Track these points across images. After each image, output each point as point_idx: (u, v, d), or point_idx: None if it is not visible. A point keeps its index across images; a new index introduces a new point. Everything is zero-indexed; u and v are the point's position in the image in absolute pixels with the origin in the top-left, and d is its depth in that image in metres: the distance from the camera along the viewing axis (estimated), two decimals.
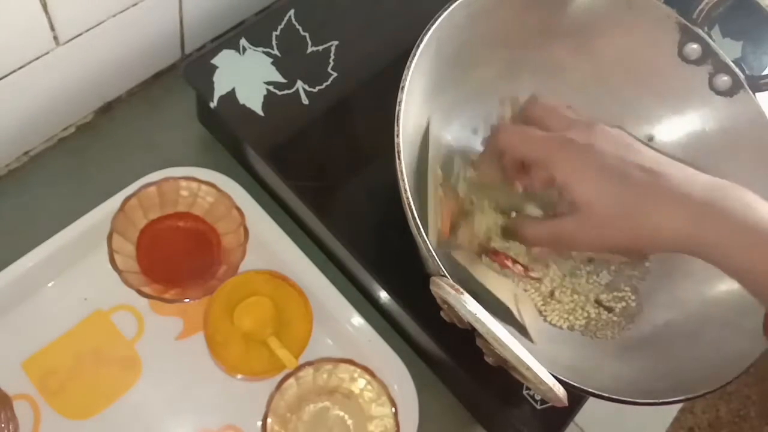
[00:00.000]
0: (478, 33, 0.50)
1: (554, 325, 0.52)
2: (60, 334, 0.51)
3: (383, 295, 0.54)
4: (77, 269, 0.52)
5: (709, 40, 0.51)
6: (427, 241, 0.40)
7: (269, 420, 0.49)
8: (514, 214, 0.52)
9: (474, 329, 0.39)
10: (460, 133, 0.55)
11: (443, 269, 0.40)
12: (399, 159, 0.41)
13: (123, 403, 0.50)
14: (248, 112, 0.54)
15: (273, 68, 0.56)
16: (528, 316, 0.50)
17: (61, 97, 0.54)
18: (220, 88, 0.54)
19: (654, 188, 0.41)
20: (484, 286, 0.49)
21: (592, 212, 0.42)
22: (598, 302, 0.53)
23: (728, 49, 0.55)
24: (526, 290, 0.52)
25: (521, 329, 0.48)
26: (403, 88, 0.43)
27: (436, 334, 0.50)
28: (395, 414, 0.50)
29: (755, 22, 0.65)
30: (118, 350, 0.51)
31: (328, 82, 0.56)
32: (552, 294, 0.53)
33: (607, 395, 0.41)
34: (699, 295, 0.51)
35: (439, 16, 0.45)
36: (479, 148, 0.55)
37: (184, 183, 0.52)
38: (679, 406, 0.57)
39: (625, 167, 0.41)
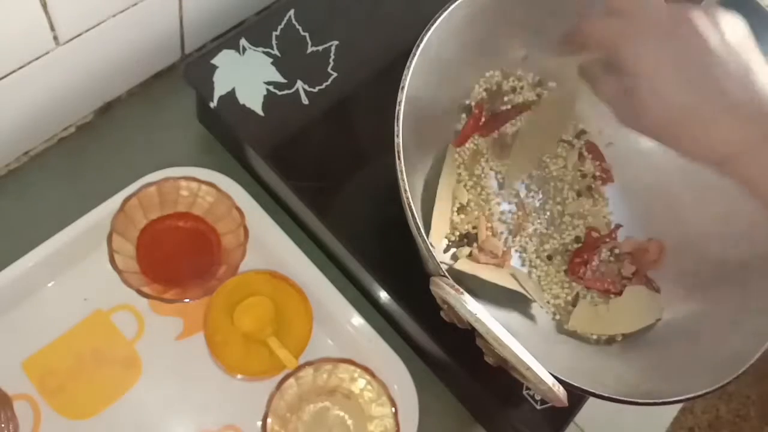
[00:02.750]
0: (477, 33, 0.50)
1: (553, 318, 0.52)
2: (60, 334, 0.51)
3: (383, 295, 0.54)
4: (77, 269, 0.52)
5: None
6: (427, 241, 0.40)
7: (269, 420, 0.49)
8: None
9: (474, 329, 0.39)
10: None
11: (443, 269, 0.40)
12: (399, 159, 0.41)
13: (123, 403, 0.50)
14: (248, 112, 0.54)
15: (273, 68, 0.56)
16: (531, 289, 0.51)
17: (61, 97, 0.54)
18: (220, 88, 0.54)
19: (720, 103, 0.39)
20: (483, 280, 0.50)
21: (652, 106, 0.41)
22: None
23: None
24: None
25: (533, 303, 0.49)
26: (403, 88, 0.43)
27: (436, 334, 0.50)
28: (395, 414, 0.50)
29: (755, 22, 0.65)
30: (118, 350, 0.51)
31: (328, 82, 0.56)
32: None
33: (607, 395, 0.41)
34: (699, 295, 0.51)
35: (439, 17, 0.45)
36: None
37: (184, 183, 0.52)
38: (679, 406, 0.57)
39: (701, 72, 0.40)
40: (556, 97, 0.56)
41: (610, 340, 0.51)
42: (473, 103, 0.55)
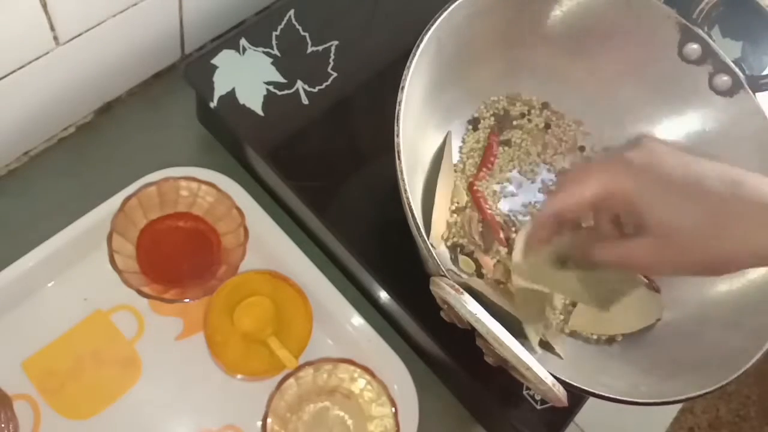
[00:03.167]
0: (477, 33, 0.50)
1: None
2: (60, 334, 0.51)
3: (383, 295, 0.54)
4: (77, 269, 0.52)
5: (709, 40, 0.51)
6: (427, 241, 0.40)
7: (269, 420, 0.49)
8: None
9: (474, 329, 0.39)
10: (459, 131, 0.55)
11: (443, 269, 0.40)
12: (399, 159, 0.41)
13: (123, 403, 0.50)
14: (248, 112, 0.54)
15: (273, 68, 0.56)
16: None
17: (61, 97, 0.54)
18: (220, 88, 0.54)
19: (737, 200, 0.36)
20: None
21: (669, 235, 0.37)
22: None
23: (728, 49, 0.55)
24: None
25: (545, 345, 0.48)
26: (403, 88, 0.43)
27: (436, 334, 0.50)
28: (395, 414, 0.50)
29: (755, 22, 0.65)
30: (118, 350, 0.51)
31: (328, 82, 0.56)
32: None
33: (607, 395, 0.41)
34: (699, 295, 0.51)
35: (439, 16, 0.45)
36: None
37: (184, 183, 0.52)
38: (679, 406, 0.57)
39: (698, 180, 0.36)
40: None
41: (610, 340, 0.51)
42: (478, 116, 0.55)
